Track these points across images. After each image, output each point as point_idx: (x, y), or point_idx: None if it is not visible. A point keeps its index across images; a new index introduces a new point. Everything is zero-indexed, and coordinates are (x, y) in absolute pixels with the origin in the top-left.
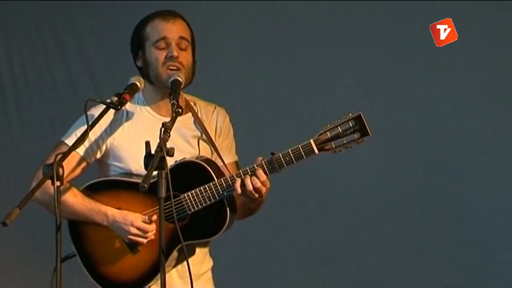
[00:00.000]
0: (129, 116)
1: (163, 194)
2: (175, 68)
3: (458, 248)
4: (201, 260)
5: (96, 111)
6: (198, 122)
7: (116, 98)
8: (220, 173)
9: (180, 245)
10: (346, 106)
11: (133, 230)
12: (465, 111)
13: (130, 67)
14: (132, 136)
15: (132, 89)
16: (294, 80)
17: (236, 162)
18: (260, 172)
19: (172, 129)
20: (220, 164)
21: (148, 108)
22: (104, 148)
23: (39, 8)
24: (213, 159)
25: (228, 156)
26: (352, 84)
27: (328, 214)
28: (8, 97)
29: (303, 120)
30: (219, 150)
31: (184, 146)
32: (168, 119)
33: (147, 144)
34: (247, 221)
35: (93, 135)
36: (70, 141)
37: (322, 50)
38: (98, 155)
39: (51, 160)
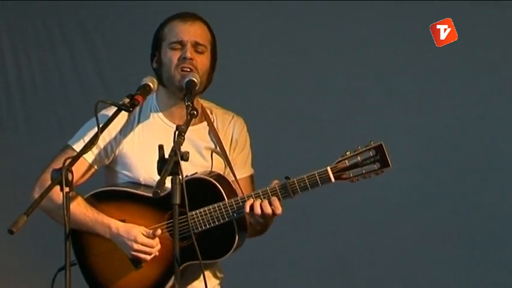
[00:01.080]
0: (140, 121)
1: (178, 200)
2: (188, 69)
3: (491, 259)
4: (209, 277)
5: (107, 113)
6: (213, 132)
7: (127, 100)
8: (231, 191)
9: (185, 264)
10: (366, 108)
11: (137, 246)
12: (494, 112)
13: (142, 67)
14: (143, 143)
15: (145, 90)
16: (311, 81)
17: (251, 177)
18: (275, 201)
19: (185, 139)
20: (232, 178)
21: (160, 114)
22: (112, 154)
23: (46, 5)
24: (226, 173)
25: (242, 170)
26: (373, 84)
27: (348, 222)
28: (15, 98)
29: (323, 123)
30: (232, 163)
31: (196, 158)
32: None
33: (161, 148)
34: None
35: (102, 140)
36: (77, 146)
37: (340, 50)
38: (106, 162)
39: (57, 165)
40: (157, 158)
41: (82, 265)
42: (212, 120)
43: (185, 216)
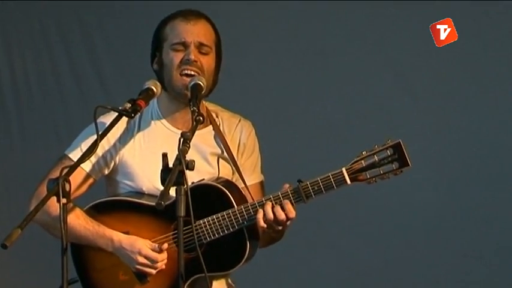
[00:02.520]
0: (141, 127)
1: (182, 212)
2: (191, 73)
3: None
4: None
5: (106, 119)
6: (220, 137)
7: (129, 105)
8: (241, 198)
9: (194, 276)
10: (386, 109)
11: (141, 260)
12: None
13: (144, 69)
14: (144, 151)
15: (148, 95)
16: (328, 82)
17: (261, 183)
18: (287, 204)
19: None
20: (242, 185)
21: (163, 120)
22: (112, 164)
23: (43, 3)
24: (234, 180)
25: (252, 177)
26: (392, 84)
27: (371, 232)
28: (8, 102)
29: (340, 126)
30: (241, 169)
31: (202, 165)
32: None
33: (165, 156)
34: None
35: (101, 148)
36: (74, 155)
37: (358, 49)
38: (106, 171)
39: (54, 176)
40: (160, 166)
41: (84, 282)
42: (218, 124)
43: (190, 226)
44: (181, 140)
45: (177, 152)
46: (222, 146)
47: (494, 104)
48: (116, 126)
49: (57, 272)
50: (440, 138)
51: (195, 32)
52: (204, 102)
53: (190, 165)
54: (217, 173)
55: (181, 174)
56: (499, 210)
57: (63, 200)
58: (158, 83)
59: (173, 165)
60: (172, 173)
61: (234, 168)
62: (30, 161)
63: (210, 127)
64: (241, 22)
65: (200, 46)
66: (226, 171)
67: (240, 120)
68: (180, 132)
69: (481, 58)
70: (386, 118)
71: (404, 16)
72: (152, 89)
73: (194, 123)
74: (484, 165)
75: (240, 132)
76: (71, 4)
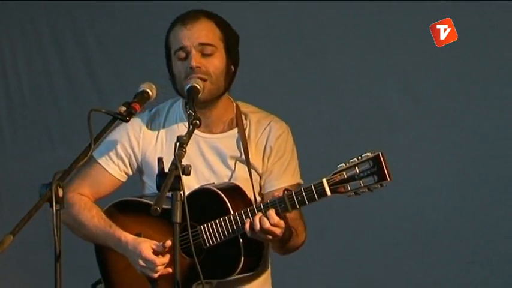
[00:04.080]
0: (165, 128)
1: (178, 219)
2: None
3: None
4: None
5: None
6: (242, 140)
7: (124, 108)
8: (245, 203)
9: (198, 281)
10: (388, 113)
11: (141, 262)
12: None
13: (137, 71)
14: (166, 152)
15: (143, 97)
16: (330, 85)
17: (296, 186)
18: (271, 213)
19: (209, 148)
20: (270, 190)
21: (186, 123)
22: (135, 164)
23: (35, 4)
24: (261, 184)
25: (279, 181)
26: (392, 85)
27: (374, 239)
28: (0, 104)
29: (341, 130)
30: (266, 174)
31: (222, 169)
32: (206, 135)
33: (160, 160)
34: None
35: (122, 149)
36: (104, 161)
37: (358, 49)
38: (131, 172)
39: (80, 182)
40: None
41: (106, 283)
42: (245, 127)
43: (194, 230)
44: (177, 144)
45: (194, 155)
46: (242, 149)
47: (495, 104)
48: (138, 125)
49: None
50: (442, 141)
51: (194, 35)
52: (237, 102)
53: (187, 171)
54: (230, 177)
55: (178, 180)
56: (505, 215)
57: (57, 206)
58: (154, 86)
59: (169, 169)
60: (168, 178)
61: (249, 173)
62: (23, 166)
63: (235, 130)
64: (239, 25)
65: (202, 48)
66: (243, 175)
67: (269, 123)
68: (201, 134)
69: (481, 58)
70: (386, 119)
71: (404, 16)
72: (147, 92)
73: (191, 127)
74: (489, 169)
75: (267, 135)
76: (63, 4)
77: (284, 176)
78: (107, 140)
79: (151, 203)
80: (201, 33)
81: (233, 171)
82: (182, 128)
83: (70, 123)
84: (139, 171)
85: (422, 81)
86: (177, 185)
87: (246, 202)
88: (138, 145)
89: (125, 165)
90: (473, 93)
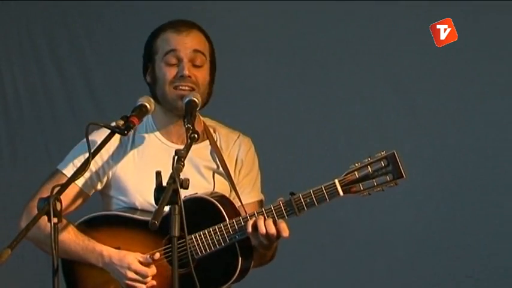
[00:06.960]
0: (135, 141)
1: (176, 232)
2: (186, 88)
3: None
4: None
5: (98, 136)
6: (216, 152)
7: (122, 122)
8: (235, 213)
9: None
10: (381, 120)
11: (131, 274)
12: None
13: (136, 84)
14: (138, 165)
15: (141, 111)
16: (323, 90)
17: (260, 202)
18: (282, 223)
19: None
20: (238, 204)
21: (157, 133)
22: (105, 179)
23: (32, 13)
24: (232, 198)
25: (250, 195)
26: (388, 94)
27: (371, 249)
28: None
29: (335, 137)
30: (238, 186)
31: (197, 180)
32: (180, 146)
33: (158, 174)
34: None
35: (94, 164)
36: (68, 171)
37: (358, 49)
38: (99, 187)
39: (46, 193)
40: (153, 181)
41: None
42: (215, 139)
43: (183, 241)
44: (176, 158)
45: (170, 167)
46: (217, 161)
47: (495, 105)
48: (110, 140)
49: None
50: (441, 144)
51: (188, 42)
52: (201, 117)
53: (185, 184)
54: (213, 187)
55: (176, 193)
56: (503, 230)
57: (54, 220)
58: (152, 100)
59: (167, 183)
60: (167, 192)
61: (230, 184)
62: (20, 179)
63: (207, 142)
64: (237, 30)
65: (195, 56)
66: (223, 187)
67: (238, 137)
68: (174, 145)
69: (481, 58)
70: (386, 119)
71: (404, 16)
72: (146, 106)
73: (189, 140)
74: (488, 182)
75: (238, 149)
76: (60, 12)
77: (253, 191)
78: (76, 152)
79: (127, 215)
80: (195, 41)
81: (209, 182)
82: (153, 139)
83: (68, 137)
84: (107, 185)
85: (421, 80)
86: (175, 199)
87: (237, 212)
88: (107, 159)
89: (94, 179)
90: (470, 92)
